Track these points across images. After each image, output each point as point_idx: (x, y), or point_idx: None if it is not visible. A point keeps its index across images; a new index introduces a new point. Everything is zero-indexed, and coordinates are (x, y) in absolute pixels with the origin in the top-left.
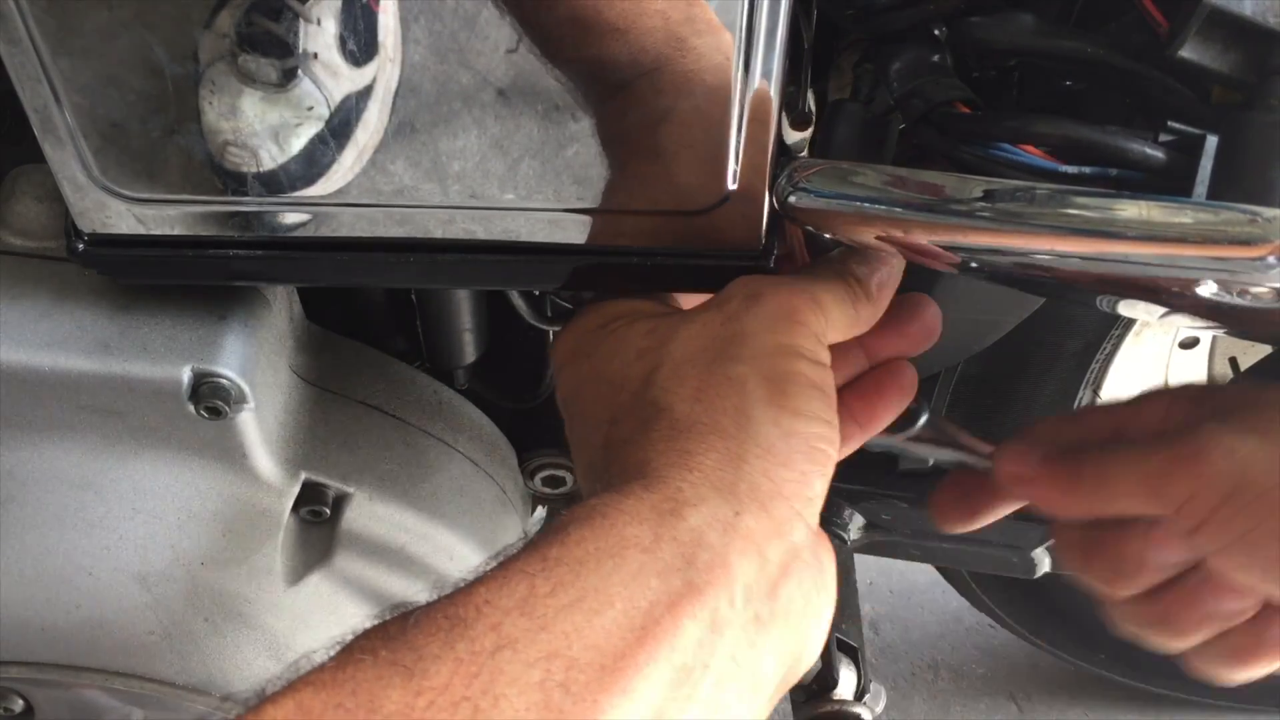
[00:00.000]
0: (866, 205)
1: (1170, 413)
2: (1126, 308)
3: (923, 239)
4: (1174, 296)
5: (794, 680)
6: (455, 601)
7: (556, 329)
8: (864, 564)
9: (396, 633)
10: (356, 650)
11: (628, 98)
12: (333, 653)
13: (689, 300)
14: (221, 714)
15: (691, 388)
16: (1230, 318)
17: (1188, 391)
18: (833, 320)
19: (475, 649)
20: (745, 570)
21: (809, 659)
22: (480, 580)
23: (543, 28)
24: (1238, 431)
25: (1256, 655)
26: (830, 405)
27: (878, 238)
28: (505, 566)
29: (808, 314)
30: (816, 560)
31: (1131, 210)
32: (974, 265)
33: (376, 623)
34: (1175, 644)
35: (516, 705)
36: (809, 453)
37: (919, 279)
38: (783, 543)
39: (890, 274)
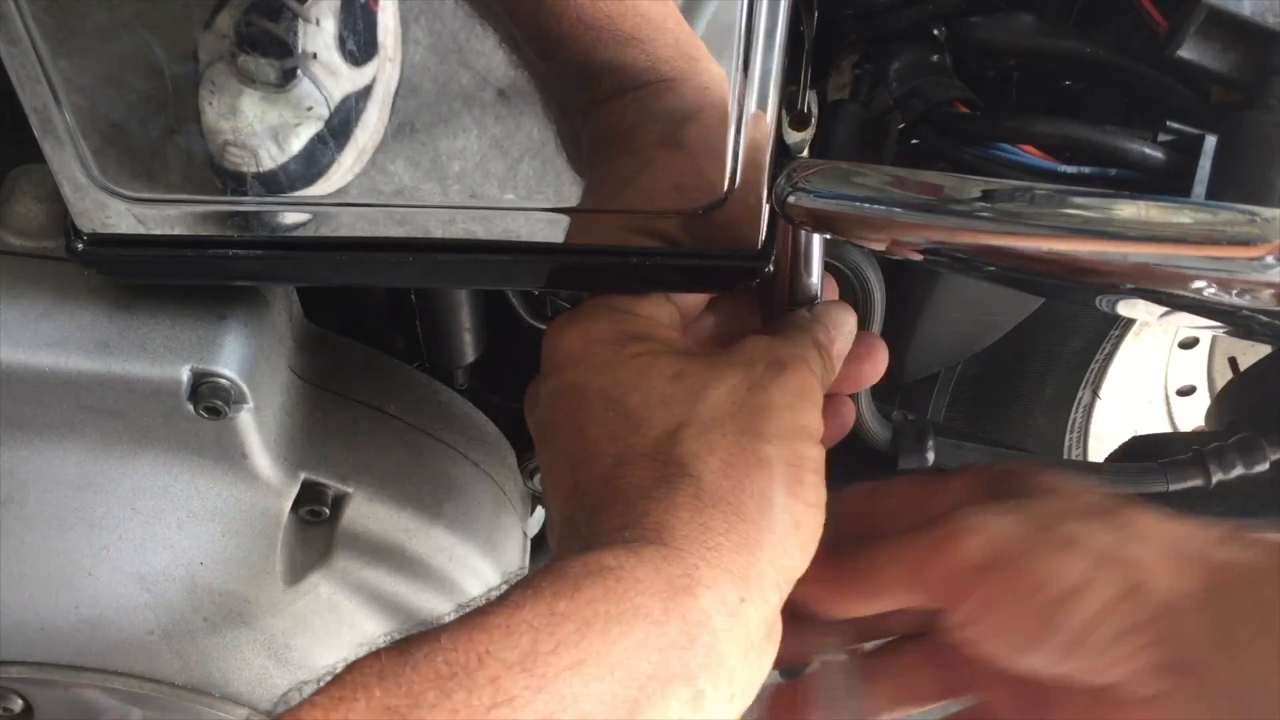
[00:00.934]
0: (865, 206)
1: (959, 497)
2: (1126, 307)
3: (921, 240)
4: (1173, 296)
5: None
6: (456, 646)
7: None
8: None
9: (392, 671)
10: (350, 686)
11: (629, 100)
12: (324, 683)
13: (689, 304)
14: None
15: (720, 459)
16: (1230, 317)
17: (978, 476)
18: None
19: (473, 702)
20: (734, 655)
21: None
22: (482, 626)
23: (554, 31)
24: (993, 511)
25: None
26: (824, 489)
27: (874, 237)
28: (509, 615)
29: (815, 391)
30: (777, 635)
31: (1130, 210)
32: (972, 265)
33: (370, 653)
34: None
35: None
36: (808, 543)
37: (920, 278)
38: (766, 627)
39: (846, 343)
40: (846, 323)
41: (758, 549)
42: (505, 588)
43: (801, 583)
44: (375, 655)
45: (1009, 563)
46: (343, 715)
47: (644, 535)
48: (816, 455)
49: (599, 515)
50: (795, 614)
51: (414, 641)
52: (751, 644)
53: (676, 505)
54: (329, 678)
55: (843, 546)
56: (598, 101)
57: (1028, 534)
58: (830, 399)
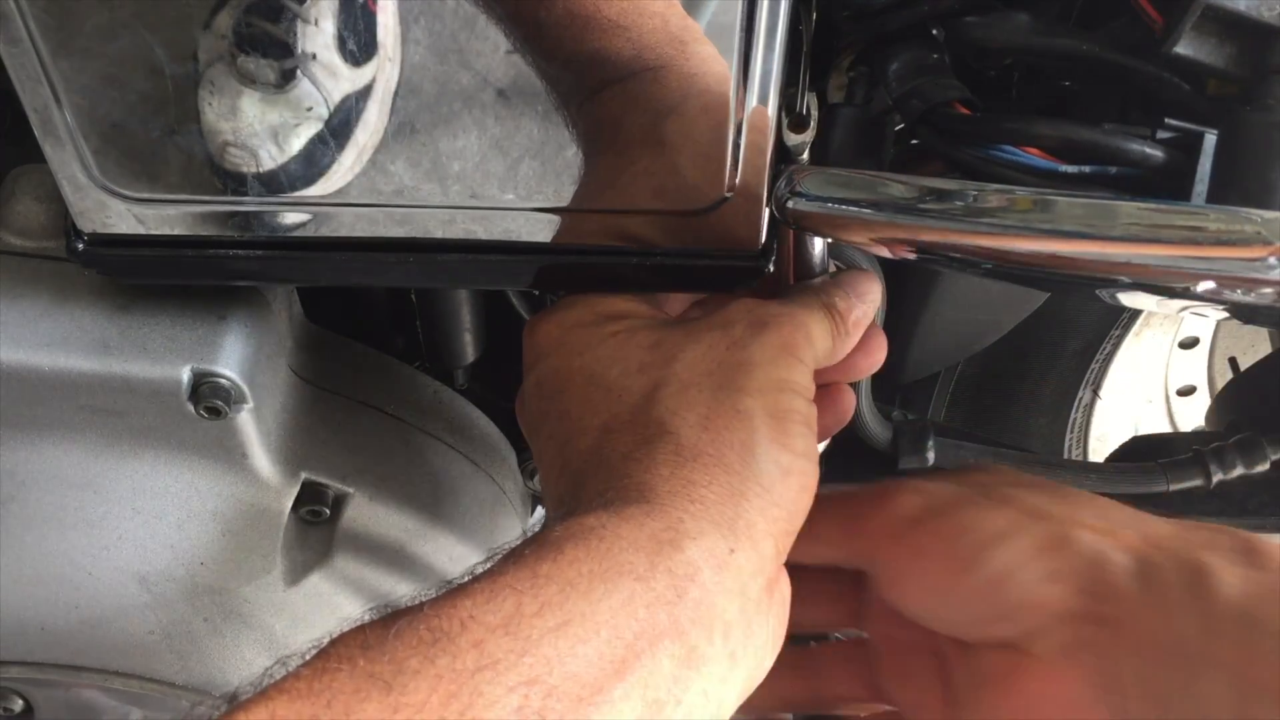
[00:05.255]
0: (864, 210)
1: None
2: (1128, 298)
3: (920, 243)
4: (1175, 293)
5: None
6: (439, 613)
7: None
8: None
9: (376, 641)
10: (334, 658)
11: (627, 97)
12: (309, 657)
13: (674, 301)
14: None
15: (699, 414)
16: (1232, 304)
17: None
18: (817, 354)
19: (456, 666)
20: (729, 609)
21: (760, 680)
22: (465, 592)
23: (540, 21)
24: (934, 479)
25: None
26: (815, 442)
27: (873, 241)
28: (492, 580)
29: (804, 349)
30: (784, 595)
31: (1131, 213)
32: (971, 263)
33: (354, 627)
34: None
35: None
36: (800, 492)
37: (919, 278)
38: (763, 579)
39: (867, 311)
40: (869, 291)
41: (743, 499)
42: (489, 563)
43: None
44: (359, 629)
45: (940, 515)
46: (326, 684)
47: (625, 495)
48: (804, 409)
49: (584, 486)
50: None
51: (397, 613)
52: (748, 597)
53: (657, 463)
54: (313, 651)
55: None
56: (589, 94)
57: (963, 493)
58: (828, 388)
